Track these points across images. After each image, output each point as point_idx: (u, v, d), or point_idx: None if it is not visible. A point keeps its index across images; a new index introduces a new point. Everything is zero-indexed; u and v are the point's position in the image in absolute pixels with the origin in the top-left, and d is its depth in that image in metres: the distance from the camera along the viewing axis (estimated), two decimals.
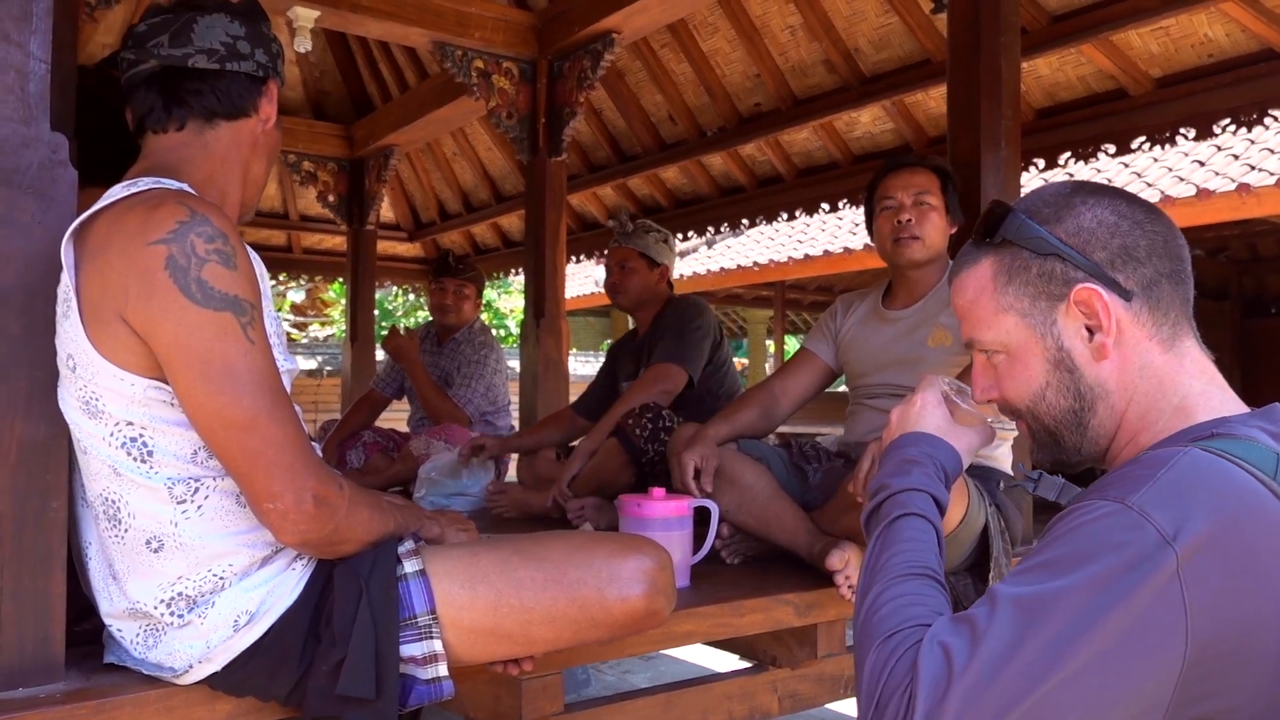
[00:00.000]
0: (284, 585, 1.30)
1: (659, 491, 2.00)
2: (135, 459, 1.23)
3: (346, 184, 6.32)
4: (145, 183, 1.26)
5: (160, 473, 1.23)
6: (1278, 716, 0.77)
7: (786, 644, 2.05)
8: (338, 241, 7.10)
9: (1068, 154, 3.61)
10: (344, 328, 6.58)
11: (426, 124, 5.46)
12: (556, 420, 3.32)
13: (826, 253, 8.44)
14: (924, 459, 1.08)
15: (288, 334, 12.27)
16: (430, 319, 4.20)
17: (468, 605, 1.33)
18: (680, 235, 5.57)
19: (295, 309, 12.32)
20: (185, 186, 1.28)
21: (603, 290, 3.26)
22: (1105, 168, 7.04)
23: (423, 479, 3.32)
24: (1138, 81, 3.45)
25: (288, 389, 1.39)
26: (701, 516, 2.07)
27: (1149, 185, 6.31)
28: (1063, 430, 0.98)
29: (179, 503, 1.24)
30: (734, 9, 4.30)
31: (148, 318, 1.17)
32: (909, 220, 2.27)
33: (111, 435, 1.22)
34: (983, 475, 2.18)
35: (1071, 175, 6.78)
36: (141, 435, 1.22)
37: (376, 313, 14.32)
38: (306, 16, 3.82)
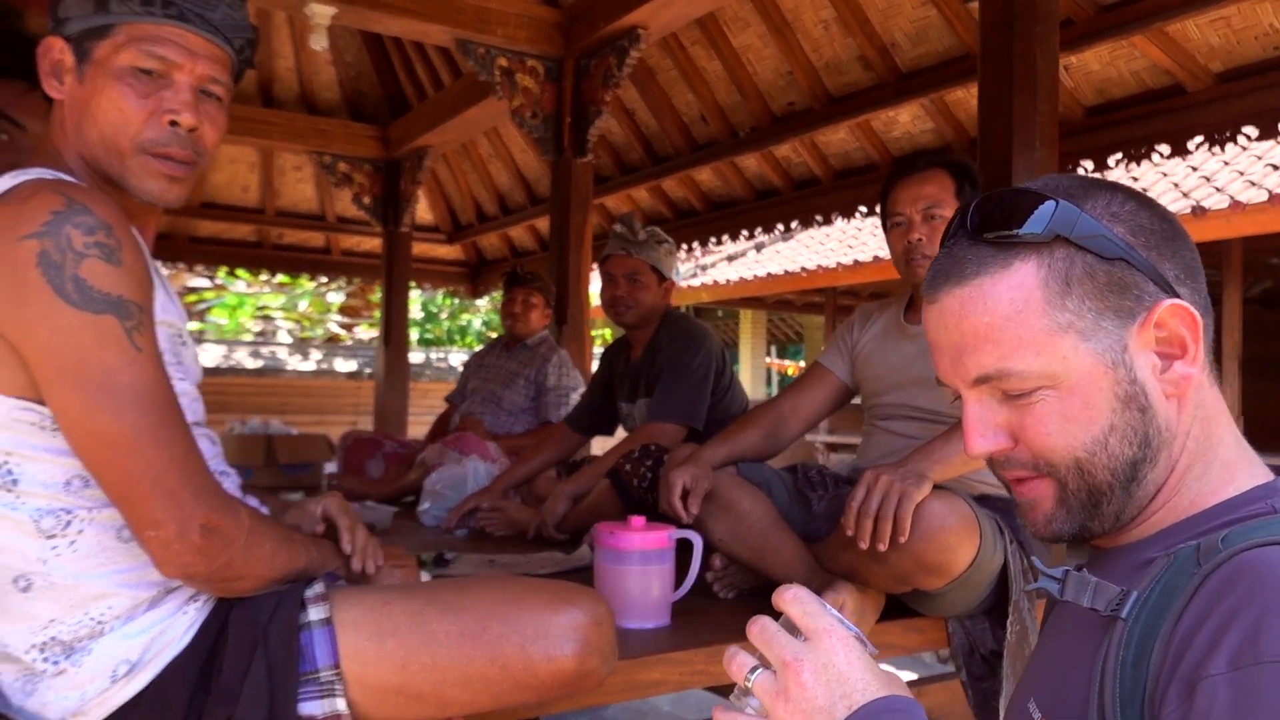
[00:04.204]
0: (172, 631, 1.17)
1: (638, 520, 1.83)
2: None
3: (382, 185, 6.26)
4: (32, 173, 1.15)
5: (27, 504, 1.11)
6: None
7: None
8: (376, 243, 7.05)
9: (1118, 155, 3.34)
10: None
11: (459, 124, 5.37)
12: (551, 440, 3.12)
13: (877, 258, 8.17)
14: None
15: (334, 335, 12.33)
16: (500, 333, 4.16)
17: (374, 661, 1.18)
18: (714, 239, 5.39)
19: (344, 310, 12.39)
20: (63, 175, 1.16)
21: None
22: (1157, 170, 6.67)
23: (427, 491, 3.21)
24: (1196, 77, 3.17)
25: (196, 408, 1.26)
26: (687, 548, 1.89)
27: (1218, 189, 5.94)
28: (1114, 490, 0.75)
29: (48, 537, 1.12)
30: (765, 3, 4.11)
31: (19, 324, 1.06)
32: (919, 239, 2.05)
33: None
34: (1004, 509, 1.97)
35: (1136, 180, 6.44)
36: (6, 462, 1.10)
37: (421, 315, 14.34)
38: (322, 13, 3.72)
